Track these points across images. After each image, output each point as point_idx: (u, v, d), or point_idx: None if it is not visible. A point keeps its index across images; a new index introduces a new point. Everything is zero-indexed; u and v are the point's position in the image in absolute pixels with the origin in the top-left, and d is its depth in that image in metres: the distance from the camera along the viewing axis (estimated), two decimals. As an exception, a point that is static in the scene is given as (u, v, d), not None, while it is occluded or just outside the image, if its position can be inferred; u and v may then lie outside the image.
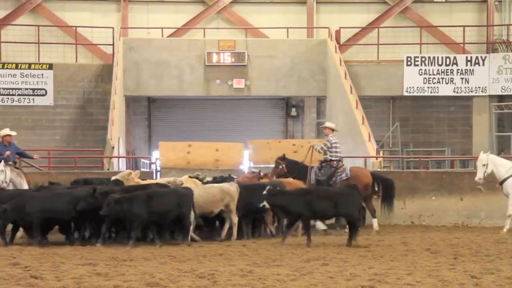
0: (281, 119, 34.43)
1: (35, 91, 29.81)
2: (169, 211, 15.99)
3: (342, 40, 32.24)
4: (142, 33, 32.30)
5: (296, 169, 19.64)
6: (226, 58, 30.61)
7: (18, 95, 29.74)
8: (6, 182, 18.33)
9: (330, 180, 19.29)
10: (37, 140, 29.53)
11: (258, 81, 30.98)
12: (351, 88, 27.88)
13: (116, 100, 27.12)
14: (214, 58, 30.64)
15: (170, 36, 32.60)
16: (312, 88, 31.25)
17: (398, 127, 30.92)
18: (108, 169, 23.28)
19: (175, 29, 32.88)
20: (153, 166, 24.18)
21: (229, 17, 33.15)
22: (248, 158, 23.57)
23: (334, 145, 19.73)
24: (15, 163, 19.58)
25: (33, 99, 29.82)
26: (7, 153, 19.22)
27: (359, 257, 14.15)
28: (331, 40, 30.86)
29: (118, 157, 25.44)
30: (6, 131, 19.97)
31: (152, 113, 34.12)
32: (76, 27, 31.48)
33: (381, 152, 26.62)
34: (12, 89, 29.68)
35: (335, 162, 19.66)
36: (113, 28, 31.22)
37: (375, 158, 24.19)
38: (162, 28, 32.12)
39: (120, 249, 15.43)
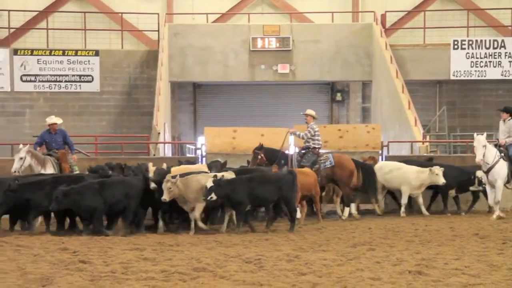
0: (326, 104, 34.29)
1: (82, 77, 30.03)
2: (119, 201, 15.63)
3: (388, 24, 31.95)
4: (187, 19, 32.37)
5: (275, 157, 19.41)
6: (271, 43, 30.53)
7: (65, 81, 29.98)
8: (19, 171, 17.98)
9: (313, 166, 19.10)
10: (84, 126, 29.78)
11: (303, 66, 30.87)
12: (397, 72, 27.65)
13: (161, 86, 27.22)
14: (259, 43, 30.59)
15: (215, 21, 32.62)
16: (357, 73, 31.06)
17: (444, 111, 30.64)
18: (154, 155, 23.39)
19: (220, 15, 32.89)
20: (198, 152, 24.22)
21: (274, 2, 33.07)
22: (293, 143, 23.47)
23: (316, 133, 19.57)
24: (56, 153, 19.34)
25: (80, 85, 30.06)
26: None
27: (406, 242, 14.08)
28: (376, 24, 30.61)
29: (164, 143, 25.56)
30: (52, 119, 19.89)
31: (197, 98, 34.20)
32: (122, 13, 31.64)
33: (428, 137, 26.44)
34: (59, 75, 29.92)
35: (317, 149, 19.51)
36: (158, 14, 31.29)
37: (421, 143, 23.99)
38: (207, 14, 32.14)
39: (167, 235, 15.52)
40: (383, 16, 31.58)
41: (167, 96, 29.42)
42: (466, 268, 10.77)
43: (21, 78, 29.66)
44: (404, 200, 19.76)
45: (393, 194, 20.69)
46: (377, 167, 20.17)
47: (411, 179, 19.67)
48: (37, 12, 31.93)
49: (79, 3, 32.66)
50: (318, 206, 18.28)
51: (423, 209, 19.74)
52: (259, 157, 19.42)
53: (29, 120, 29.79)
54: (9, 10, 30.87)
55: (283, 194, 16.20)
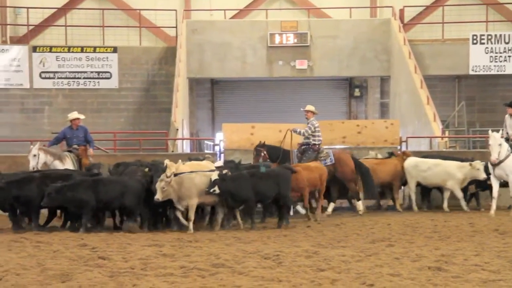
0: (344, 99, 34.24)
1: (100, 74, 30.11)
2: (114, 199, 15.56)
3: (406, 19, 31.84)
4: (205, 15, 32.41)
5: (277, 154, 19.28)
6: (289, 39, 30.50)
7: (84, 78, 30.07)
8: (37, 168, 17.98)
9: None
10: (103, 123, 29.85)
11: (321, 61, 30.82)
12: (415, 67, 27.56)
13: (179, 82, 27.25)
14: (277, 39, 30.56)
15: (232, 17, 32.64)
16: (376, 68, 30.98)
17: (464, 107, 30.51)
18: (172, 151, 23.43)
19: (237, 11, 32.91)
20: (216, 148, 24.23)
21: (292, -3, 33.11)
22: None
23: (317, 129, 19.44)
24: (77, 149, 19.37)
25: (98, 82, 30.13)
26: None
27: (425, 238, 14.04)
28: (394, 19, 30.51)
29: (182, 139, 25.60)
30: (74, 114, 19.95)
31: (215, 95, 34.23)
32: (140, 10, 31.71)
33: (447, 132, 26.33)
34: (78, 72, 30.01)
35: (317, 146, 19.39)
36: (176, 10, 31.32)
37: (440, 138, 23.90)
38: (224, 10, 32.15)
39: (185, 231, 15.54)
40: (402, 11, 31.48)
41: (185, 93, 29.45)
42: (486, 264, 10.72)
43: (40, 75, 29.78)
44: (459, 195, 19.59)
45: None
46: (411, 165, 19.95)
47: (454, 174, 19.54)
48: (55, 9, 32.06)
49: (97, 0, 32.76)
50: (320, 203, 18.04)
51: (463, 203, 19.60)
52: (262, 154, 19.29)
53: (48, 117, 29.90)
54: (28, 8, 31.02)
55: (280, 190, 16.23)
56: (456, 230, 15.21)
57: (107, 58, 30.10)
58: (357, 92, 33.61)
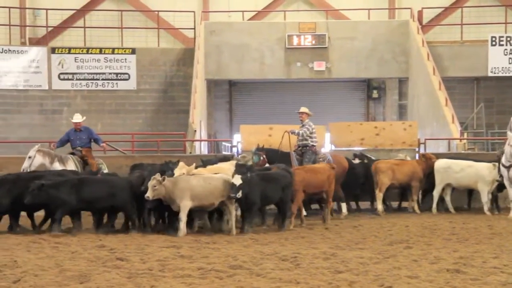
0: (362, 101, 34.18)
1: (119, 75, 30.20)
2: (99, 199, 15.35)
3: (425, 21, 31.75)
4: (223, 16, 32.45)
5: (276, 157, 18.95)
6: (307, 41, 30.47)
7: (102, 79, 30.17)
8: (28, 169, 17.80)
9: None
10: (121, 124, 29.94)
11: (339, 63, 30.77)
12: (434, 69, 27.47)
13: (197, 84, 27.29)
14: (295, 40, 30.54)
15: (250, 19, 32.66)
16: (394, 70, 30.90)
17: (482, 108, 30.37)
18: (190, 153, 23.45)
19: (255, 12, 32.93)
20: (234, 149, 24.24)
21: (310, -1, 33.10)
22: (330, 141, 23.39)
23: (314, 130, 19.32)
24: (80, 150, 19.15)
25: (117, 83, 30.22)
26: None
27: (443, 240, 13.99)
28: (413, 20, 30.43)
29: (200, 141, 25.62)
30: (75, 118, 19.59)
31: (233, 96, 34.25)
32: (158, 11, 31.78)
33: (465, 134, 26.22)
34: (96, 73, 30.12)
35: (314, 148, 19.29)
36: (194, 12, 31.37)
37: (459, 140, 23.80)
38: (242, 12, 32.17)
39: (203, 232, 15.54)
40: (420, 13, 31.38)
41: (203, 94, 29.49)
42: (505, 267, 10.67)
43: (58, 77, 29.91)
44: (484, 198, 19.42)
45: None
46: (443, 166, 19.77)
47: (485, 175, 19.45)
48: (74, 11, 32.19)
49: (116, 1, 32.89)
50: (330, 206, 17.63)
51: (486, 207, 19.48)
52: (262, 158, 19.00)
53: (67, 118, 29.87)
54: (46, 9, 31.16)
55: (283, 193, 16.03)
56: (474, 232, 15.15)
57: (125, 59, 30.20)
58: (375, 94, 33.54)
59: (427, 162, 20.02)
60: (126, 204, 15.51)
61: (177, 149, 25.28)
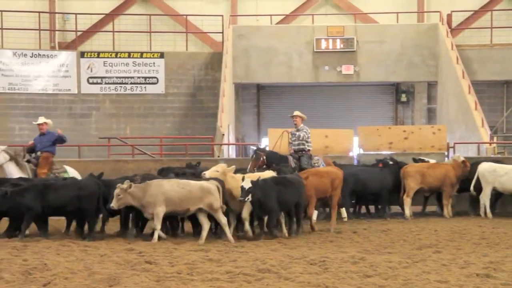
0: (390, 105, 34.04)
1: (147, 79, 30.31)
2: (66, 204, 15.04)
3: (454, 24, 31.59)
4: (251, 20, 32.46)
5: (275, 159, 18.63)
6: (335, 44, 30.43)
7: (131, 83, 30.28)
8: None
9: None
10: (149, 128, 30.05)
11: (367, 67, 30.69)
12: (463, 72, 27.31)
13: (225, 88, 27.32)
14: (323, 44, 30.51)
15: (279, 23, 32.66)
16: (423, 73, 30.76)
17: (512, 112, 30.19)
18: (218, 156, 23.49)
19: (283, 16, 32.93)
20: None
21: (338, 2, 32.99)
22: (358, 144, 23.34)
23: (309, 134, 19.22)
24: (36, 158, 18.43)
25: (145, 87, 30.33)
26: (30, 143, 18.60)
27: (473, 245, 13.90)
28: (442, 24, 30.27)
29: (228, 144, 25.63)
30: (39, 120, 18.96)
31: (261, 100, 34.25)
32: (186, 15, 31.88)
33: (495, 138, 26.03)
34: (125, 77, 30.24)
35: (309, 152, 19.18)
36: (222, 16, 31.43)
37: (488, 144, 23.63)
38: (271, 15, 32.19)
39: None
40: (449, 16, 31.22)
41: (231, 98, 29.52)
42: (536, 272, 10.58)
43: (87, 81, 30.08)
44: None
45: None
46: (488, 170, 19.64)
47: None
48: (103, 15, 32.37)
49: (145, 5, 33.03)
50: (334, 210, 17.23)
51: None
52: (262, 158, 18.67)
53: (96, 122, 30.18)
54: (76, 14, 31.36)
55: (299, 198, 15.69)
56: (504, 237, 15.03)
57: (153, 63, 30.30)
58: (403, 98, 33.38)
59: (464, 168, 19.77)
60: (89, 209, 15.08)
61: (205, 153, 25.34)
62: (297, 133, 19.22)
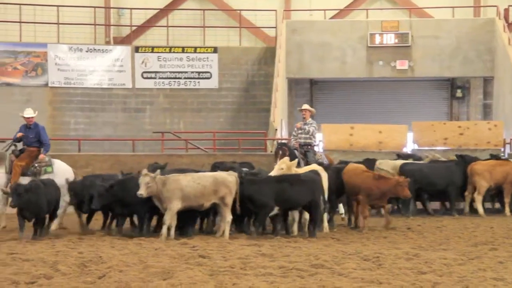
0: (445, 100, 33.68)
1: (201, 74, 30.43)
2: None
3: (511, 19, 31.10)
4: (305, 15, 32.37)
5: (291, 154, 18.05)
6: (389, 39, 30.19)
7: (184, 78, 30.44)
8: None
9: None
10: (202, 123, 30.16)
11: (422, 62, 30.40)
12: (520, 68, 26.92)
13: (278, 83, 27.31)
14: (377, 39, 30.29)
15: (332, 17, 32.53)
16: (478, 69, 30.37)
17: None
18: (271, 152, 23.48)
19: (337, 11, 32.77)
20: (316, 149, 24.17)
21: (393, -3, 32.81)
22: (412, 140, 23.17)
23: (316, 129, 18.97)
24: (19, 150, 17.04)
25: (199, 82, 30.45)
26: (19, 134, 17.01)
27: (530, 242, 13.69)
28: (499, 18, 29.84)
29: (281, 139, 25.59)
30: (27, 112, 17.24)
31: (314, 95, 34.13)
32: (240, 10, 31.91)
33: (552, 134, 25.60)
34: (179, 72, 30.40)
35: (314, 147, 18.97)
36: (276, 11, 31.41)
37: (545, 140, 23.29)
38: (324, 10, 32.05)
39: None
40: (506, 11, 30.78)
41: (284, 93, 29.49)
42: None
43: (142, 75, 30.30)
44: None
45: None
46: None
47: None
48: (157, 10, 32.56)
49: (199, 0, 33.15)
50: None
51: None
52: (288, 153, 17.86)
53: (149, 117, 30.38)
54: (131, 9, 31.61)
55: (314, 197, 14.87)
56: (561, 234, 14.80)
57: (207, 58, 30.41)
58: (459, 93, 33.01)
59: None
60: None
61: (258, 148, 25.36)
62: (306, 127, 18.89)
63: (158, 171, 14.42)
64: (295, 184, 14.71)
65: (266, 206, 14.47)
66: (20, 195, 13.93)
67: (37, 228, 14.41)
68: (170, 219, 14.18)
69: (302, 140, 18.89)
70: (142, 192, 14.01)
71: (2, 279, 9.55)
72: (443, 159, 20.23)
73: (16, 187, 14.23)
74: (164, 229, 14.13)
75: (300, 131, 18.93)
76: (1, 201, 16.46)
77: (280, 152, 18.22)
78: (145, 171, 14.37)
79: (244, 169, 16.73)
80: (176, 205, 14.18)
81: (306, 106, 19.29)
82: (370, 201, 16.10)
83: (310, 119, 19.01)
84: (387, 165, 19.41)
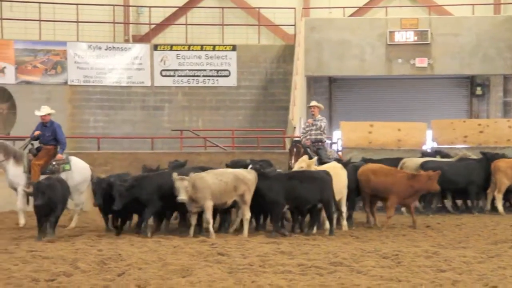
0: (465, 98, 33.51)
1: (219, 72, 30.45)
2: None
3: (532, 16, 30.98)
4: (324, 13, 32.31)
5: (305, 152, 18.06)
6: (409, 37, 30.07)
7: (203, 76, 30.46)
8: None
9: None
10: (221, 121, 30.19)
11: (441, 59, 30.28)
12: (540, 65, 26.77)
13: (297, 81, 27.28)
14: (396, 37, 30.18)
15: (351, 15, 32.45)
16: (499, 66, 30.21)
17: None
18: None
19: (356, 8, 32.70)
20: (334, 146, 24.15)
21: (412, -6, 32.70)
22: (432, 138, 23.05)
23: (326, 125, 18.91)
24: (37, 149, 16.83)
25: (217, 80, 30.48)
26: (37, 133, 16.76)
27: (550, 241, 13.60)
28: (519, 16, 29.71)
29: (299, 137, 25.57)
30: (43, 110, 17.04)
31: (333, 93, 34.06)
32: (259, 8, 31.91)
33: None
34: (197, 70, 30.43)
35: (325, 143, 18.90)
36: (295, 8, 31.39)
37: None
38: (343, 8, 32.00)
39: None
40: (527, 8, 30.64)
41: (303, 91, 29.45)
42: None
43: (160, 73, 30.35)
44: None
45: None
46: None
47: None
48: (176, 8, 32.59)
49: (217, -1, 33.17)
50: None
51: None
52: (302, 151, 18.05)
53: (168, 114, 30.44)
54: (150, 7, 31.68)
55: (323, 195, 14.74)
56: None
57: (226, 56, 30.42)
58: (479, 91, 32.82)
59: None
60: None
61: (276, 146, 25.35)
62: (318, 122, 18.90)
63: (191, 173, 14.19)
64: (304, 182, 14.60)
65: (277, 203, 14.39)
66: (44, 193, 13.91)
67: (50, 226, 14.18)
68: (211, 217, 14.10)
69: (313, 137, 18.90)
70: (183, 197, 13.81)
71: (22, 277, 9.60)
72: (474, 157, 20.11)
73: (38, 186, 14.22)
74: (210, 228, 14.04)
75: (312, 127, 18.93)
76: (21, 200, 16.54)
77: (295, 149, 18.28)
78: (175, 174, 14.04)
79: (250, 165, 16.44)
80: (210, 203, 14.09)
81: (314, 103, 19.37)
82: (401, 201, 16.09)
83: (319, 115, 19.05)
84: (412, 163, 19.34)
